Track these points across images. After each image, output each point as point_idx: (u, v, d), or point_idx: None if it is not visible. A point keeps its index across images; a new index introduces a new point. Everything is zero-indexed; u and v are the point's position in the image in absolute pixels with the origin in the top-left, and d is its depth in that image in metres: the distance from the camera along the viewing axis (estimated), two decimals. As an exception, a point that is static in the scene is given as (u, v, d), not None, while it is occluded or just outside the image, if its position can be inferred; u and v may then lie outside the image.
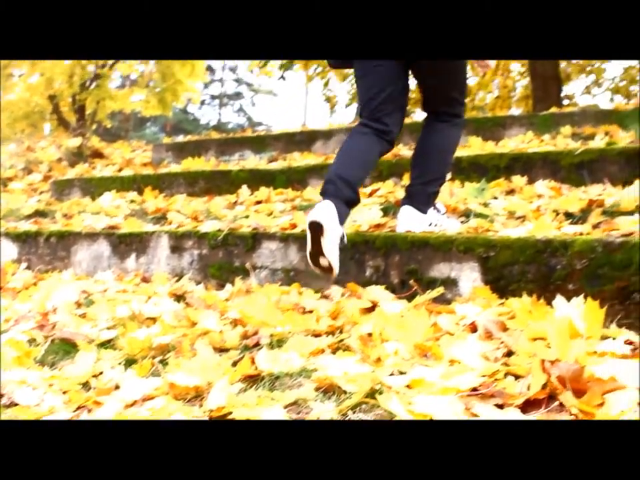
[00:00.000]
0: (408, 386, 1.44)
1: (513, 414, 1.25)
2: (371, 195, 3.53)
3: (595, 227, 2.42)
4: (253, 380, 1.64)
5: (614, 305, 1.84)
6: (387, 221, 2.89)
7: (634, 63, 10.45)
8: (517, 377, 1.43)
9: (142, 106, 9.56)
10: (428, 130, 2.63)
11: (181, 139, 8.79)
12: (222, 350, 1.91)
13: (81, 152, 7.24)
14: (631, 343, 1.54)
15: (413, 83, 2.63)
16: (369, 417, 1.36)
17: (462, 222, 2.76)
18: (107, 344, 2.08)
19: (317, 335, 1.95)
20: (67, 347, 2.05)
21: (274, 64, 11.45)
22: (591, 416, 1.21)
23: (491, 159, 3.63)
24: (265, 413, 1.36)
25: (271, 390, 1.56)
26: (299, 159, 5.23)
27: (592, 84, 11.19)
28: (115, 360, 1.89)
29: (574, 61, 10.87)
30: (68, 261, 3.46)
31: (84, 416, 1.50)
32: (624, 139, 4.06)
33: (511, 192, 3.29)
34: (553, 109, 5.80)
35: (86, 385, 1.72)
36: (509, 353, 1.60)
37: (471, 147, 4.51)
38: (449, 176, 3.02)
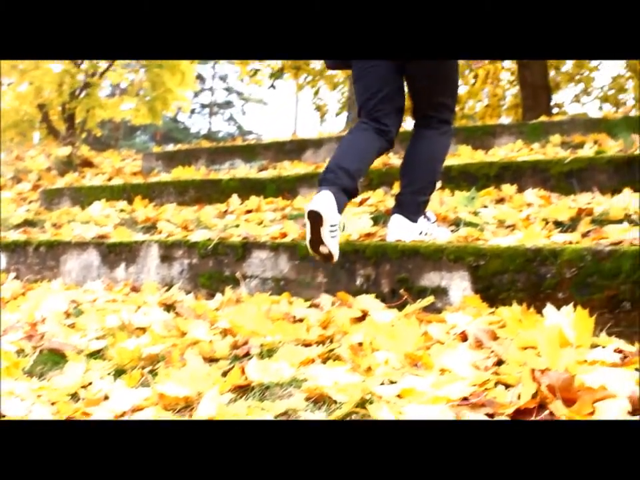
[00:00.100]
0: (398, 395, 1.44)
1: (503, 423, 1.25)
2: (361, 203, 3.53)
3: (584, 235, 2.43)
4: (243, 390, 1.63)
5: (603, 313, 1.85)
6: (377, 230, 2.89)
7: (622, 71, 10.56)
8: (507, 386, 1.43)
9: (132, 114, 9.52)
10: (417, 138, 2.64)
11: (171, 147, 8.79)
12: (212, 360, 1.90)
13: (70, 161, 7.21)
14: (620, 352, 1.55)
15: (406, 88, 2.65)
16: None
17: (452, 231, 2.77)
18: (96, 354, 2.07)
19: (307, 345, 1.95)
20: (56, 358, 2.03)
21: (264, 73, 11.49)
22: (581, 425, 1.21)
23: (480, 168, 3.64)
24: (255, 424, 1.35)
25: (261, 400, 1.55)
26: (289, 168, 5.24)
27: (581, 92, 11.30)
28: (104, 370, 1.88)
29: (563, 70, 10.97)
30: (57, 270, 3.45)
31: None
32: (613, 147, 4.09)
33: (500, 200, 3.31)
34: (543, 118, 5.84)
35: (75, 396, 1.71)
36: (499, 362, 1.60)
37: (460, 155, 4.52)
38: (438, 184, 3.03)
